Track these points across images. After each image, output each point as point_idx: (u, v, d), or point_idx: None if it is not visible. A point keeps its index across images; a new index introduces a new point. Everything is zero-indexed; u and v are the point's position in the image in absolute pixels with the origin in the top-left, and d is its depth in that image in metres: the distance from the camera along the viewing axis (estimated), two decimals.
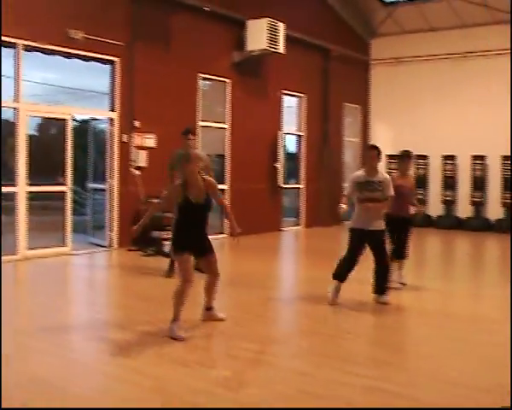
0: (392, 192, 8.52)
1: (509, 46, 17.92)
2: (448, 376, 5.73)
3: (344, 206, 8.58)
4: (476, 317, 8.22)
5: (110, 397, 5.14)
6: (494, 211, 18.59)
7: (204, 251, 7.25)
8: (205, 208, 7.07)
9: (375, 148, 8.70)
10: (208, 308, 7.54)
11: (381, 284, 8.56)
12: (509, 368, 5.63)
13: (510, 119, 17.71)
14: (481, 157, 18.69)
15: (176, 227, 7.15)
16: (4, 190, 11.62)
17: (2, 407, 4.67)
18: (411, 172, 10.33)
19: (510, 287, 9.29)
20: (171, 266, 9.95)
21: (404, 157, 9.95)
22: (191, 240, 7.03)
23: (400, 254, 9.74)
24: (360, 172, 8.66)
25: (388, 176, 8.72)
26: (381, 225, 8.49)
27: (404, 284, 9.72)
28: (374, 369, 5.93)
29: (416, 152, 19.27)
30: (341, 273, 8.55)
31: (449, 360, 6.30)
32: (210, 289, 7.51)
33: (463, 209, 19.09)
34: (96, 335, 7.13)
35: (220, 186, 15.81)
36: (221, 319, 7.50)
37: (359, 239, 8.46)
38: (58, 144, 12.64)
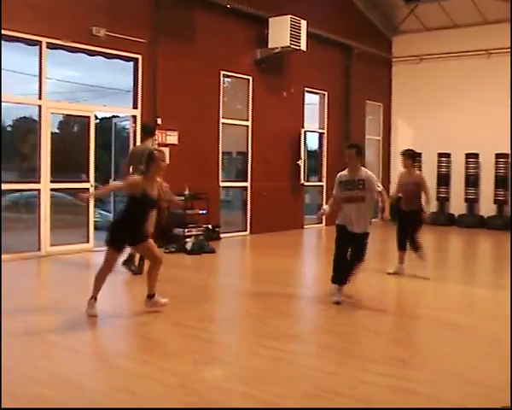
0: (378, 188, 8.40)
1: None
2: (469, 375, 5.70)
3: (326, 207, 8.72)
4: (497, 316, 8.15)
5: (134, 396, 5.11)
6: None
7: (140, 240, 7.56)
8: (155, 203, 7.63)
9: (353, 147, 8.68)
10: (150, 296, 7.66)
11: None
12: (510, 366, 5.59)
13: (510, 119, 17.53)
14: (505, 155, 18.52)
15: (122, 219, 7.66)
16: (28, 186, 11.86)
17: (3, 406, 4.68)
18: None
19: (510, 287, 9.19)
20: (140, 261, 10.09)
21: (404, 155, 10.68)
22: (132, 232, 7.46)
23: (413, 246, 10.47)
24: (344, 172, 8.61)
25: (371, 173, 8.55)
26: (363, 227, 8.32)
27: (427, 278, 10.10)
28: (395, 368, 5.89)
29: (437, 150, 19.36)
30: (335, 277, 8.46)
31: (469, 359, 6.26)
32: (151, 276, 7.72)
33: (486, 208, 18.93)
34: (118, 332, 7.17)
35: (242, 184, 15.96)
36: (164, 304, 7.65)
37: (343, 235, 8.38)
38: (80, 142, 12.72)
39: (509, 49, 17.86)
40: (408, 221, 10.43)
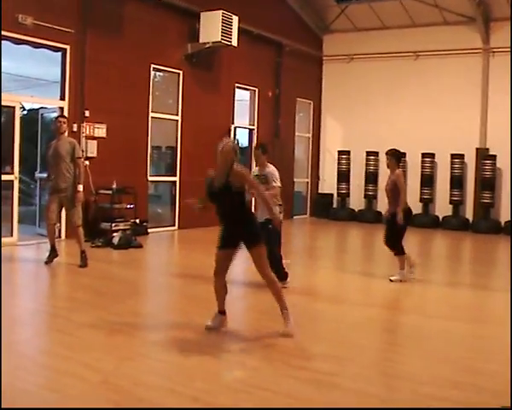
0: (274, 184, 8.89)
1: (456, 47, 18.33)
2: (394, 369, 5.79)
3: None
4: (422, 311, 8.31)
5: (56, 392, 5.01)
6: (442, 208, 18.87)
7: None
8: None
9: (259, 147, 9.31)
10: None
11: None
12: (510, 366, 5.73)
13: (510, 117, 17.87)
14: (431, 155, 18.93)
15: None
16: None
17: (3, 407, 4.55)
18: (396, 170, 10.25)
19: (510, 288, 9.38)
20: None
21: (387, 155, 10.32)
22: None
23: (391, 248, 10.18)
24: (257, 168, 9.26)
25: (273, 169, 9.04)
26: (265, 214, 8.60)
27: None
28: (321, 363, 5.93)
29: (366, 149, 19.61)
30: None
31: (394, 353, 6.36)
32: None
33: (411, 206, 19.23)
34: (41, 328, 7.02)
35: (171, 178, 15.85)
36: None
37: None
38: (5, 133, 12.40)
39: (442, 51, 18.27)
40: (388, 224, 10.29)
